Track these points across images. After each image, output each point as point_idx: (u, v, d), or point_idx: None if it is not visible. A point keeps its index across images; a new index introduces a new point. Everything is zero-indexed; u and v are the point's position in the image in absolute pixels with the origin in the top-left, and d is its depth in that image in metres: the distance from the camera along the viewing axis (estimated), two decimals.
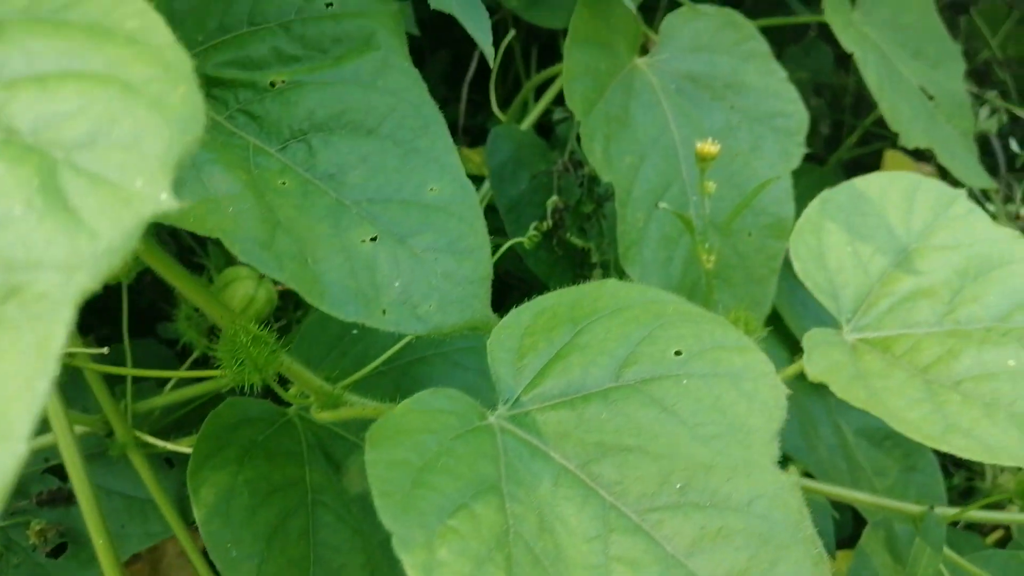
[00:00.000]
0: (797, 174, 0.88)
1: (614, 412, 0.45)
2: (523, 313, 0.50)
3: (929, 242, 0.62)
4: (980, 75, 1.68)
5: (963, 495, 1.19)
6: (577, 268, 0.80)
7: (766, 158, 0.76)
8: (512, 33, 0.89)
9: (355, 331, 0.62)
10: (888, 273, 0.60)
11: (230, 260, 0.77)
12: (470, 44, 1.07)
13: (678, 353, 0.47)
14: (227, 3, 0.51)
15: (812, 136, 1.53)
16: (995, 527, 1.06)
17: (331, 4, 0.52)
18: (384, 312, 0.46)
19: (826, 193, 0.64)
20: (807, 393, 0.85)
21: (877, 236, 0.62)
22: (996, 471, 1.22)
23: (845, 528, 0.90)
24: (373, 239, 0.47)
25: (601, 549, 0.40)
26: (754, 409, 0.45)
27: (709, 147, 0.60)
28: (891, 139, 1.02)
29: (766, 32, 1.34)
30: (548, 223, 0.76)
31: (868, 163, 1.30)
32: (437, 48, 1.15)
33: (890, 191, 0.64)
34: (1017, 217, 0.94)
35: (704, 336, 0.48)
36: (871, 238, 0.62)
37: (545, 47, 1.13)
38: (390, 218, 0.49)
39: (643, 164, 0.70)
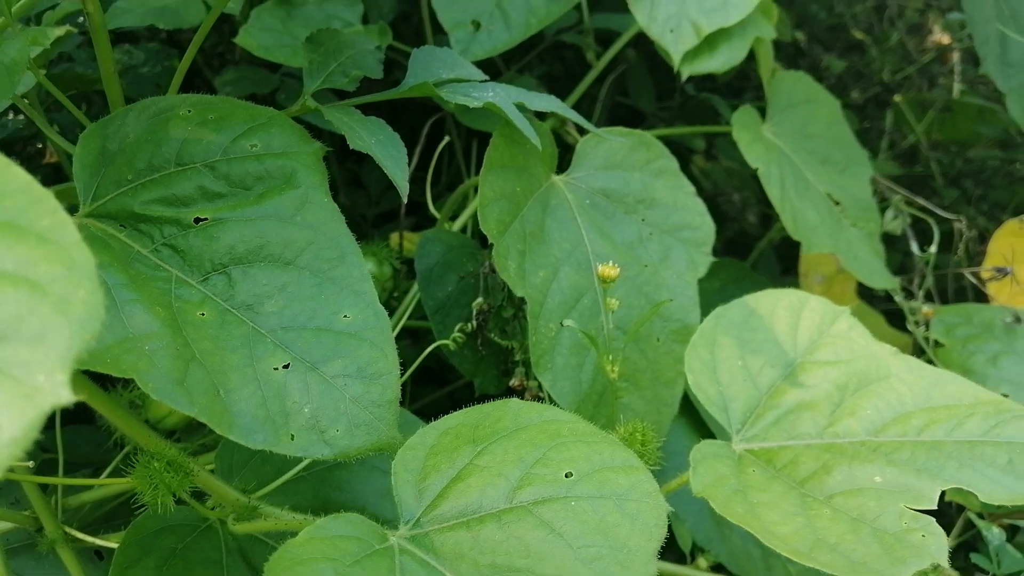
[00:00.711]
0: (718, 267, 0.94)
1: (507, 534, 0.48)
2: (428, 434, 0.54)
3: (813, 357, 0.67)
4: (908, 158, 1.78)
5: None
6: (502, 366, 0.84)
7: (674, 268, 0.82)
8: (447, 136, 0.94)
9: None
10: (776, 386, 0.65)
11: None
12: (419, 134, 1.12)
13: (568, 475, 0.51)
14: (156, 144, 0.55)
15: (742, 222, 1.60)
16: None
17: (255, 145, 0.57)
18: (292, 438, 0.49)
19: (720, 309, 0.70)
20: None
21: (766, 351, 0.67)
22: None
23: None
24: (286, 366, 0.51)
25: None
26: (636, 530, 0.49)
27: (609, 270, 0.65)
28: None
29: (694, 120, 1.42)
30: (473, 324, 0.80)
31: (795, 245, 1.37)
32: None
33: (778, 308, 0.70)
34: (920, 313, 1.01)
35: (594, 457, 0.52)
36: (760, 352, 0.67)
37: (484, 143, 1.19)
38: (303, 345, 0.52)
39: (557, 276, 0.74)
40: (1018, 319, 0.96)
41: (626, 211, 0.82)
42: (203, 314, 0.51)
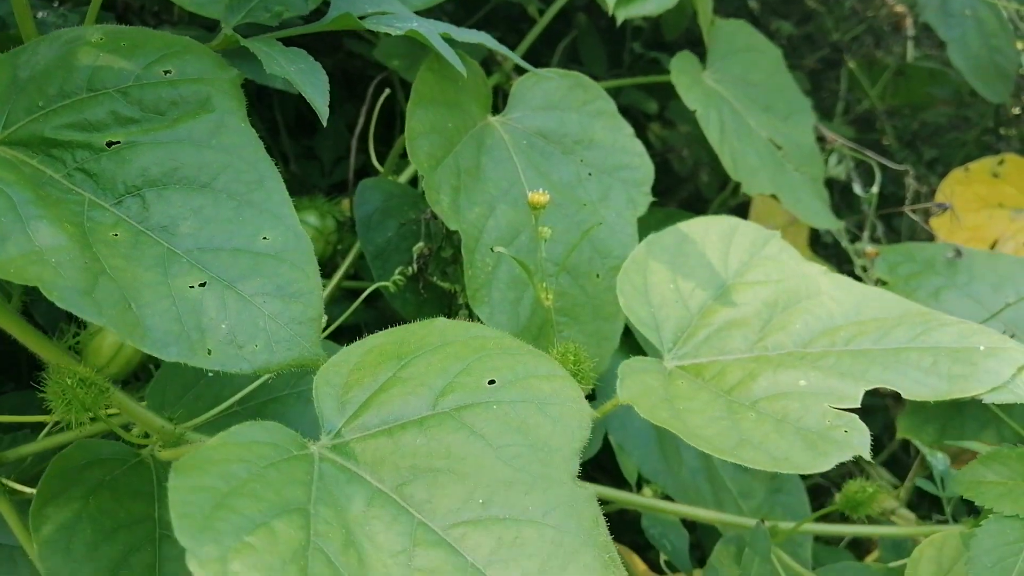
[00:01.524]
0: (672, 218, 0.94)
1: (428, 438, 0.48)
2: (352, 351, 0.53)
3: (744, 278, 0.68)
4: (863, 124, 1.80)
5: (844, 517, 1.24)
6: (445, 310, 0.84)
7: (614, 207, 0.82)
8: (388, 91, 0.94)
9: (211, 373, 0.64)
10: (707, 307, 0.66)
11: None
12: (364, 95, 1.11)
13: (491, 382, 0.51)
14: (67, 71, 0.55)
15: (694, 183, 1.61)
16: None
17: (169, 71, 0.56)
18: (209, 352, 0.49)
19: (652, 236, 0.70)
20: None
21: (698, 274, 0.67)
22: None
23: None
24: (202, 284, 0.51)
25: (405, 562, 0.43)
26: (557, 431, 0.49)
27: (540, 196, 0.65)
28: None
29: (648, 89, 1.43)
30: (413, 268, 0.80)
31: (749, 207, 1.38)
32: (345, 102, 1.20)
33: (710, 233, 0.70)
34: (864, 254, 1.02)
35: (518, 367, 0.53)
36: (692, 276, 0.67)
37: None
38: (220, 265, 0.52)
39: (493, 213, 0.74)
40: (959, 252, 0.97)
41: (564, 152, 0.83)
42: (116, 235, 0.51)
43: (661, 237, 0.69)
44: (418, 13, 0.75)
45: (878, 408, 1.31)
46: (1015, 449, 0.58)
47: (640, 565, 0.89)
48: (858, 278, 1.06)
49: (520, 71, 0.88)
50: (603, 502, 0.82)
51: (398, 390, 0.50)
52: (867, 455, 0.50)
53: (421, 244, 0.82)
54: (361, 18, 0.67)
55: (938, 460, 0.85)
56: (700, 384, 0.59)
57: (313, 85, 0.60)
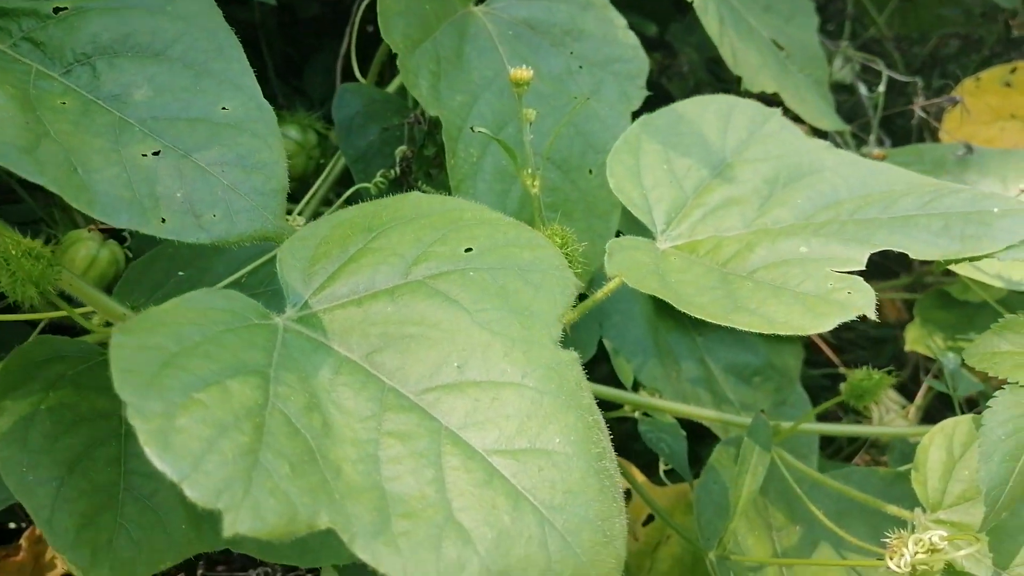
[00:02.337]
0: None
1: (399, 306, 0.45)
2: (320, 225, 0.50)
3: (743, 156, 0.64)
4: (870, 51, 1.74)
5: (849, 441, 1.22)
6: None
7: (606, 100, 0.78)
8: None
9: (181, 273, 0.62)
10: (703, 186, 0.62)
11: (76, 226, 0.76)
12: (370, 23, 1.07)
13: (468, 250, 0.48)
14: None
15: None
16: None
17: None
18: (164, 220, 0.45)
19: (645, 117, 0.66)
20: (669, 330, 0.86)
21: (693, 153, 0.64)
22: (882, 412, 1.26)
23: None
24: (156, 153, 0.47)
25: (374, 426, 0.40)
26: (539, 297, 0.46)
27: (522, 73, 0.61)
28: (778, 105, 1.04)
29: (645, 11, 1.37)
30: (396, 171, 0.77)
31: None
32: (333, 39, 1.16)
33: (707, 113, 0.66)
34: (871, 157, 0.97)
35: (497, 236, 0.49)
36: (688, 155, 0.63)
37: None
38: (176, 134, 0.49)
39: (477, 102, 0.71)
40: (969, 149, 0.93)
41: (552, 43, 0.78)
42: (64, 103, 0.47)
43: (655, 117, 0.65)
44: None
45: (888, 339, 1.28)
46: None
47: (639, 476, 0.86)
48: None
49: None
50: (598, 402, 0.79)
51: (368, 260, 0.47)
52: (872, 315, 0.46)
53: (404, 147, 0.78)
54: None
55: (949, 360, 0.82)
56: (694, 259, 0.55)
57: None
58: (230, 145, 0.49)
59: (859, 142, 1.03)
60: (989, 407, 0.52)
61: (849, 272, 0.50)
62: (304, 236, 0.49)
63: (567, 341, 0.79)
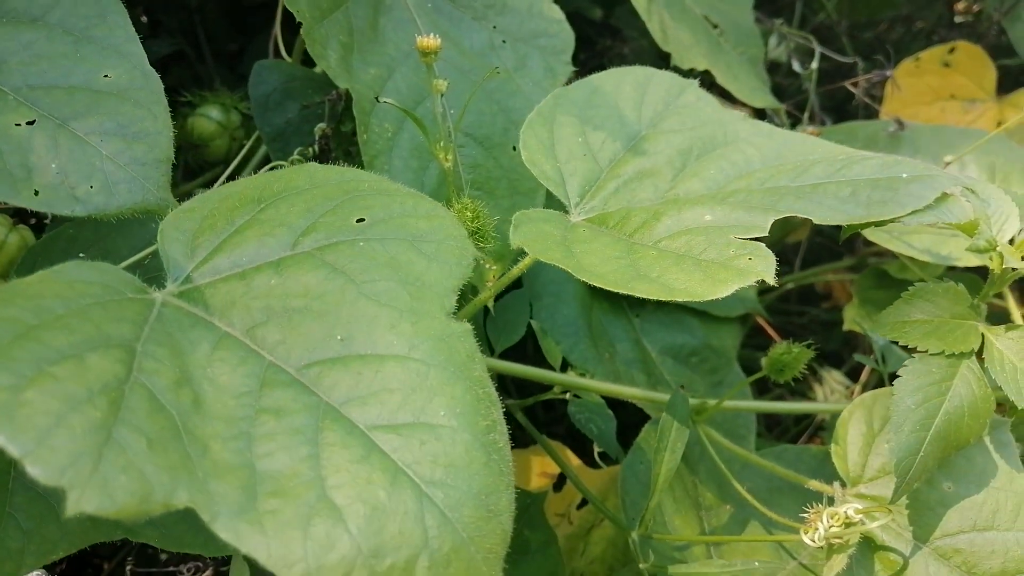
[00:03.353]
0: None
1: (284, 279, 0.43)
2: (209, 197, 0.48)
3: (659, 128, 0.63)
4: (820, 37, 1.74)
5: (796, 420, 1.22)
6: None
7: (531, 76, 0.76)
8: None
9: (82, 255, 0.59)
10: (618, 159, 0.61)
11: None
12: None
13: (361, 220, 0.46)
14: None
15: None
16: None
17: None
18: (36, 193, 0.43)
19: (560, 90, 0.65)
20: (604, 311, 0.85)
21: (608, 126, 0.62)
22: (827, 393, 1.26)
23: None
24: (31, 123, 0.45)
25: (251, 403, 0.38)
26: (433, 267, 0.45)
27: (430, 41, 0.59)
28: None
29: None
30: (315, 149, 0.75)
31: None
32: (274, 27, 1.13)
33: (624, 84, 0.65)
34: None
35: (394, 206, 0.48)
36: (603, 128, 0.62)
37: None
38: (52, 102, 0.46)
39: (393, 76, 0.69)
40: (901, 124, 0.93)
41: (475, 17, 0.77)
42: None
43: (570, 90, 0.64)
44: None
45: (839, 322, 1.28)
46: (940, 284, 0.53)
47: (574, 459, 0.85)
48: None
49: None
50: (520, 389, 0.78)
51: (255, 232, 0.45)
52: (771, 280, 0.45)
53: (323, 124, 0.76)
54: None
55: (878, 336, 0.82)
56: (603, 231, 0.54)
57: None
58: (111, 114, 0.47)
59: (797, 121, 1.03)
60: (900, 376, 0.52)
61: (752, 239, 0.49)
62: (190, 208, 0.47)
63: (495, 322, 0.79)
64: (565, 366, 0.78)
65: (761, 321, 1.22)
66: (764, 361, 0.65)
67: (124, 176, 0.46)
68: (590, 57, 1.41)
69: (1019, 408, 0.50)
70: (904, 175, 0.53)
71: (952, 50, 1.36)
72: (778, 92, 1.22)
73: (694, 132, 0.61)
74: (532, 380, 0.71)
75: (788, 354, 0.63)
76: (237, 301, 0.43)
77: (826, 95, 1.54)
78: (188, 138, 0.88)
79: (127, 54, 0.49)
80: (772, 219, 0.50)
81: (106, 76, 0.48)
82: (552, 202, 0.75)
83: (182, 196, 0.90)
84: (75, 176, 0.45)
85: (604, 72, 0.66)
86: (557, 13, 0.80)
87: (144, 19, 1.19)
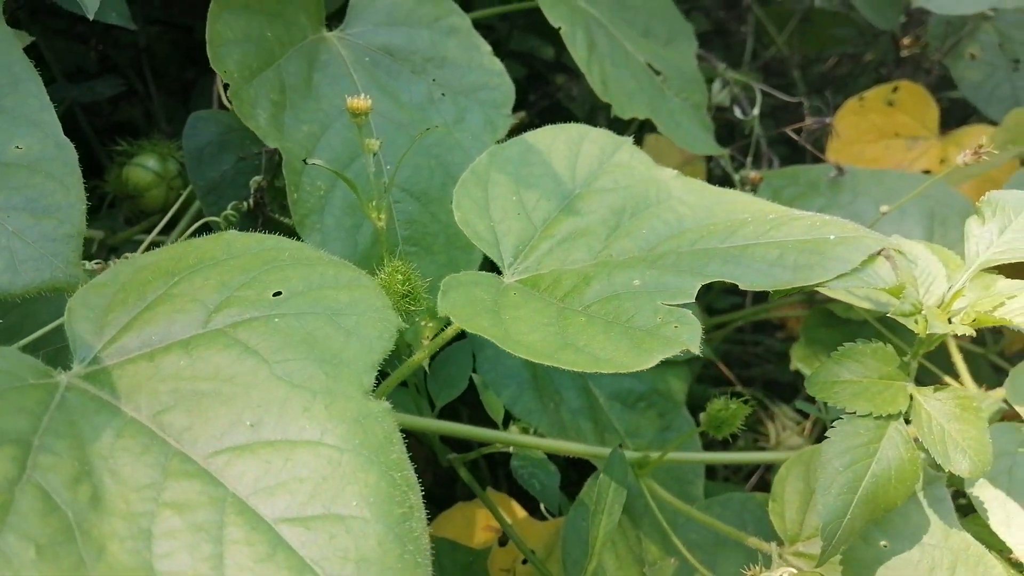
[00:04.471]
0: None
1: (193, 359, 0.42)
2: (121, 270, 0.47)
3: (592, 186, 0.62)
4: (771, 71, 1.77)
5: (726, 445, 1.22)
6: None
7: (470, 129, 0.76)
8: None
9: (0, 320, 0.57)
10: (552, 218, 0.60)
11: None
12: None
13: (277, 294, 0.45)
14: None
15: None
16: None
17: None
18: None
19: (495, 147, 0.64)
20: None
21: (543, 184, 0.62)
22: (779, 429, 1.26)
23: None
24: None
25: (153, 496, 0.37)
26: (352, 343, 0.44)
27: (359, 102, 0.58)
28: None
29: (543, 33, 1.35)
30: (250, 203, 0.73)
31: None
32: None
33: (558, 142, 0.65)
34: (749, 180, 0.98)
35: (313, 277, 0.47)
36: (537, 187, 0.62)
37: None
38: None
39: (327, 132, 0.68)
40: (841, 170, 0.94)
41: (413, 70, 0.76)
42: None
43: (505, 148, 0.64)
44: None
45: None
46: (869, 344, 0.54)
47: (520, 512, 0.84)
48: None
49: None
50: (464, 442, 0.77)
51: (165, 308, 0.44)
52: (696, 349, 0.45)
53: (259, 177, 0.75)
54: None
55: None
56: (534, 294, 0.53)
57: None
58: (20, 188, 0.45)
59: (741, 165, 1.04)
60: (828, 437, 0.51)
61: (679, 305, 0.49)
62: (101, 283, 0.45)
63: (436, 375, 0.78)
64: (509, 418, 0.77)
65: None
66: (703, 417, 0.65)
67: (31, 254, 0.44)
68: (540, 97, 1.42)
69: (946, 471, 0.50)
70: (831, 236, 0.53)
71: (895, 89, 1.39)
72: (730, 130, 1.23)
73: (627, 191, 0.61)
74: (471, 439, 0.70)
75: (725, 410, 0.63)
76: (144, 384, 0.41)
77: (775, 131, 1.56)
78: (124, 188, 0.86)
79: (40, 123, 0.48)
80: (700, 284, 0.50)
81: (17, 147, 0.47)
82: (488, 260, 0.75)
83: (118, 245, 0.89)
84: None
85: (539, 129, 0.66)
86: (497, 65, 0.80)
87: (93, 55, 1.17)
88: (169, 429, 0.40)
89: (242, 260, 0.47)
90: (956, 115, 1.59)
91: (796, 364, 1.05)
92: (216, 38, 0.61)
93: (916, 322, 0.51)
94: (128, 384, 0.41)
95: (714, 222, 0.59)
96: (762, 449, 1.22)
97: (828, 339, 1.07)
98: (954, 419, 0.51)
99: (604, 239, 0.59)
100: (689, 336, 0.46)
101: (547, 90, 1.52)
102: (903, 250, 0.54)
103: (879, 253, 0.52)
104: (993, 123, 1.29)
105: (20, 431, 0.37)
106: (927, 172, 1.39)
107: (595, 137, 0.65)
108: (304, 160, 0.64)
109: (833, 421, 0.54)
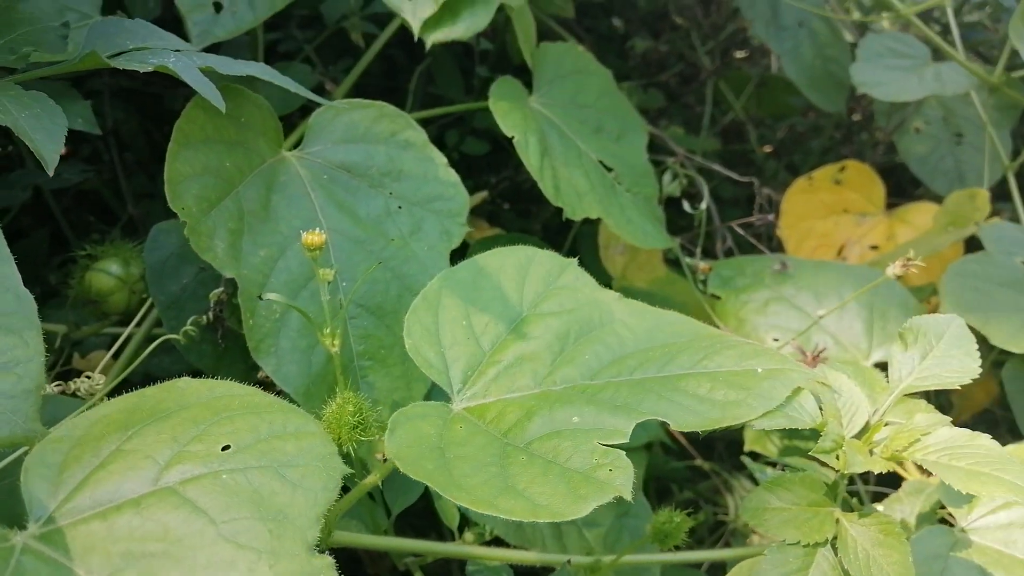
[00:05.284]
0: (498, 242, 0.92)
1: (144, 519, 0.44)
2: (78, 423, 0.48)
3: (539, 310, 0.65)
4: (730, 135, 1.83)
5: (711, 530, 1.24)
6: (248, 359, 0.79)
7: (426, 240, 0.79)
8: None
9: None
10: (499, 342, 0.63)
11: None
12: None
13: (226, 447, 0.47)
14: None
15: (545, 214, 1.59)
16: None
17: None
18: None
19: (447, 271, 0.67)
20: None
21: (492, 308, 0.65)
22: (738, 500, 1.29)
23: None
24: None
25: None
26: (297, 497, 0.46)
27: (314, 237, 0.61)
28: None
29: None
30: (210, 316, 0.75)
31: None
32: None
33: (507, 265, 0.68)
34: (699, 270, 1.02)
35: (262, 427, 0.49)
36: (486, 310, 0.65)
37: None
38: None
39: (284, 254, 0.70)
40: (784, 264, 0.98)
41: (371, 185, 0.79)
42: None
43: (456, 271, 0.67)
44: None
45: None
46: (797, 474, 0.57)
47: None
48: (702, 293, 1.06)
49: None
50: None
51: (118, 466, 0.46)
52: (627, 495, 0.47)
53: (219, 290, 0.77)
54: (111, 56, 0.62)
55: (765, 475, 0.85)
56: (479, 428, 0.56)
57: (46, 131, 0.55)
58: None
59: (690, 254, 1.08)
60: (760, 566, 0.54)
61: (613, 445, 0.51)
62: (58, 438, 0.47)
63: (392, 482, 0.79)
64: (465, 522, 0.78)
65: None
66: (648, 528, 0.67)
67: None
68: (501, 180, 1.46)
69: None
70: (759, 369, 0.56)
71: (843, 168, 1.45)
72: (683, 217, 1.27)
73: (572, 315, 0.64)
74: (427, 553, 0.72)
75: (670, 523, 0.65)
76: (98, 545, 0.43)
77: (730, 202, 1.61)
78: (86, 294, 0.88)
79: None
80: (634, 423, 0.53)
81: None
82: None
83: (77, 342, 0.90)
84: None
85: (489, 252, 0.69)
86: (452, 176, 0.83)
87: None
88: None
89: (193, 411, 0.49)
90: (909, 182, 1.64)
91: (750, 445, 1.07)
92: (174, 176, 0.64)
93: (837, 458, 0.54)
94: (82, 545, 0.43)
95: (653, 347, 0.62)
96: (721, 523, 1.24)
97: None
98: (878, 544, 0.54)
99: (549, 364, 0.61)
100: (622, 481, 0.48)
101: (510, 163, 1.56)
102: (828, 382, 0.57)
103: (803, 387, 0.55)
104: (939, 197, 1.34)
105: None
106: (875, 248, 1.45)
107: (542, 260, 0.68)
108: (259, 296, 0.66)
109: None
